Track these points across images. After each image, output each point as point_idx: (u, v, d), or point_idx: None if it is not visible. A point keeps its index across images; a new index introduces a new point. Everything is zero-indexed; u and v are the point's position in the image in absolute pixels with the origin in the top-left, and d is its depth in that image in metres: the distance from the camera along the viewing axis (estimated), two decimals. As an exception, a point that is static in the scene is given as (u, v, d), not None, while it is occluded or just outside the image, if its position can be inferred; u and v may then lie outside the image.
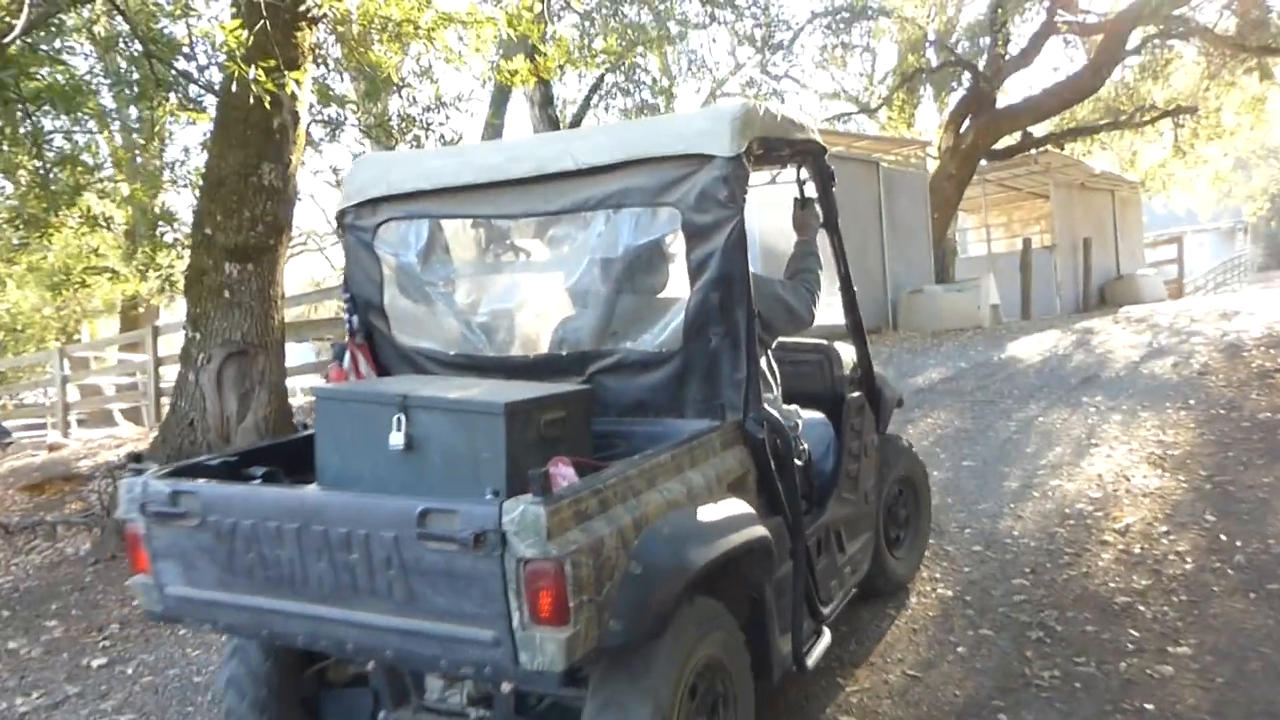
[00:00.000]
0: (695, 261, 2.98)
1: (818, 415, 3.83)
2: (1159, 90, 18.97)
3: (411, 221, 3.45)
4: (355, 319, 3.56)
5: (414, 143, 9.57)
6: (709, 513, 2.65)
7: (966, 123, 16.43)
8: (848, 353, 4.16)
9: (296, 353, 16.52)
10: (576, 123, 13.81)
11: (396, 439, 2.60)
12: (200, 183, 7.10)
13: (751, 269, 3.00)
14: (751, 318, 2.97)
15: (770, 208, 5.91)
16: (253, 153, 6.39)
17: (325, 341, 18.18)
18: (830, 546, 3.68)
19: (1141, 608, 4.19)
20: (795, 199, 3.78)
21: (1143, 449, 6.55)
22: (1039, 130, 18.10)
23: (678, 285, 3.14)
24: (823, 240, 3.78)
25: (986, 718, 3.40)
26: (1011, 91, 17.84)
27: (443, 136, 9.67)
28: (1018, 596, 4.41)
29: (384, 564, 2.29)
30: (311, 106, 8.33)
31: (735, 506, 2.77)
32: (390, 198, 3.45)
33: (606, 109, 14.86)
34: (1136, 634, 3.95)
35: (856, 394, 4.02)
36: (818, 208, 3.72)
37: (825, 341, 4.19)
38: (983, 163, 18.38)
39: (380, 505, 2.36)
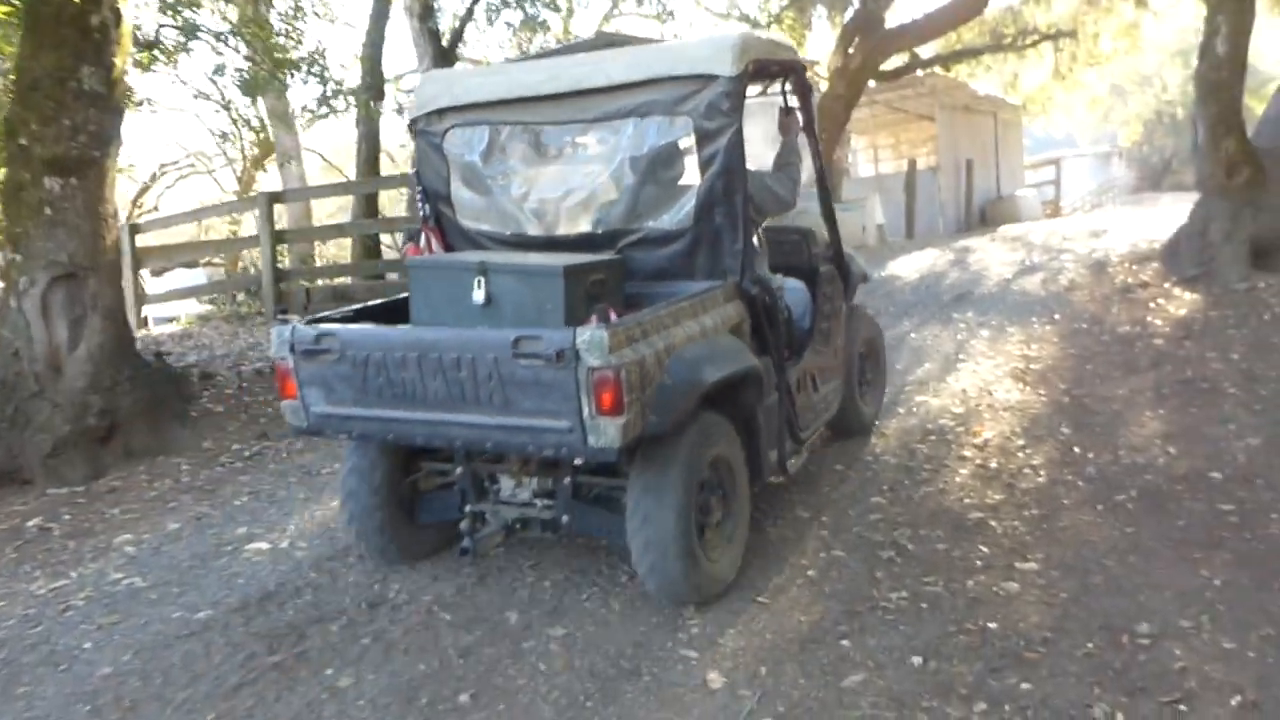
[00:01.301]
0: (704, 158, 3.67)
1: (798, 283, 4.52)
2: (1041, 14, 18.97)
3: (474, 128, 4.10)
4: (427, 207, 4.23)
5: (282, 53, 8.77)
6: (719, 346, 3.47)
7: (855, 43, 16.12)
8: (822, 234, 4.83)
9: (188, 278, 15.56)
10: (458, 37, 13.05)
11: (478, 295, 3.39)
12: (10, 87, 6.31)
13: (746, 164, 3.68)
14: (747, 202, 3.69)
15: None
16: (68, 54, 5.66)
17: (218, 266, 17.27)
18: (807, 386, 4.40)
19: (993, 523, 4.07)
20: (780, 107, 4.31)
21: (1007, 364, 6.49)
22: (926, 52, 17.94)
23: (690, 177, 3.91)
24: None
25: (830, 644, 3.21)
26: (900, 12, 17.59)
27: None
28: (873, 516, 4.26)
29: (486, 378, 3.08)
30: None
31: (735, 344, 3.61)
32: (454, 108, 4.10)
33: (490, 22, 14.06)
34: (986, 550, 3.83)
35: (829, 268, 4.71)
36: (799, 114, 4.28)
37: (805, 226, 4.84)
38: (871, 84, 18.20)
39: (484, 335, 3.15)
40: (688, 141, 3.81)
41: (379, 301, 4.00)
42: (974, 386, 6.04)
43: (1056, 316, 7.65)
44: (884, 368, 5.70)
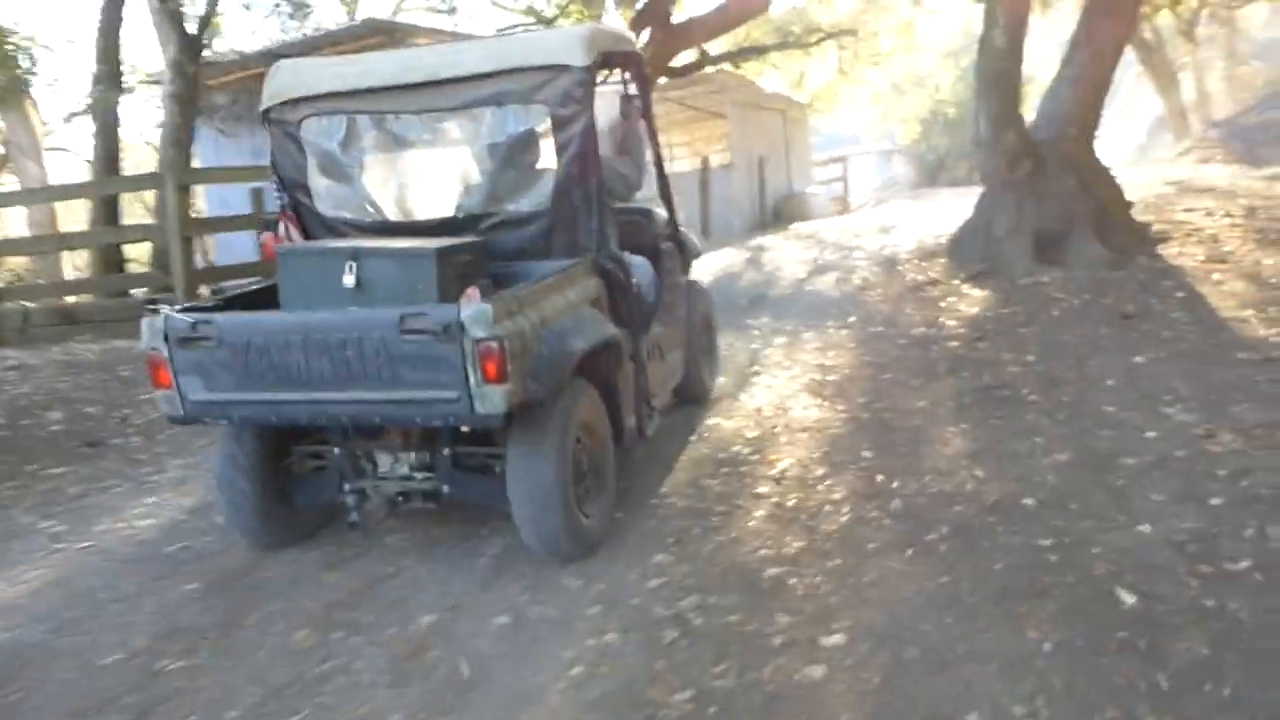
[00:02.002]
0: (559, 144, 3.85)
1: (642, 260, 4.63)
2: (825, 12, 19.19)
3: (330, 117, 4.15)
4: (284, 196, 4.23)
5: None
6: (583, 318, 3.67)
7: (645, 37, 15.62)
8: (662, 214, 5.01)
9: None
10: (206, 22, 11.54)
11: (349, 279, 3.49)
12: None
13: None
14: (601, 184, 3.90)
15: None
16: None
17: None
18: (656, 355, 4.60)
19: (793, 580, 3.42)
20: (621, 95, 4.54)
21: (804, 374, 5.97)
22: (715, 49, 17.70)
23: (546, 161, 4.04)
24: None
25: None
26: (688, 8, 17.25)
27: None
28: (656, 580, 3.52)
29: (373, 355, 3.23)
30: None
31: (597, 316, 3.82)
32: (309, 98, 4.12)
33: (248, 6, 12.60)
34: (786, 619, 3.15)
35: (669, 245, 4.96)
36: (638, 102, 4.55)
37: (645, 207, 4.96)
38: (663, 81, 17.81)
39: (370, 314, 3.31)
40: (543, 127, 3.99)
41: (241, 290, 4.09)
42: (770, 404, 5.45)
43: (852, 319, 7.26)
44: (717, 339, 6.02)
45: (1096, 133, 8.59)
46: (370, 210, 4.27)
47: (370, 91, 4.06)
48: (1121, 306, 6.66)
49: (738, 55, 18.13)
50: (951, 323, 6.75)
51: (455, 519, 4.24)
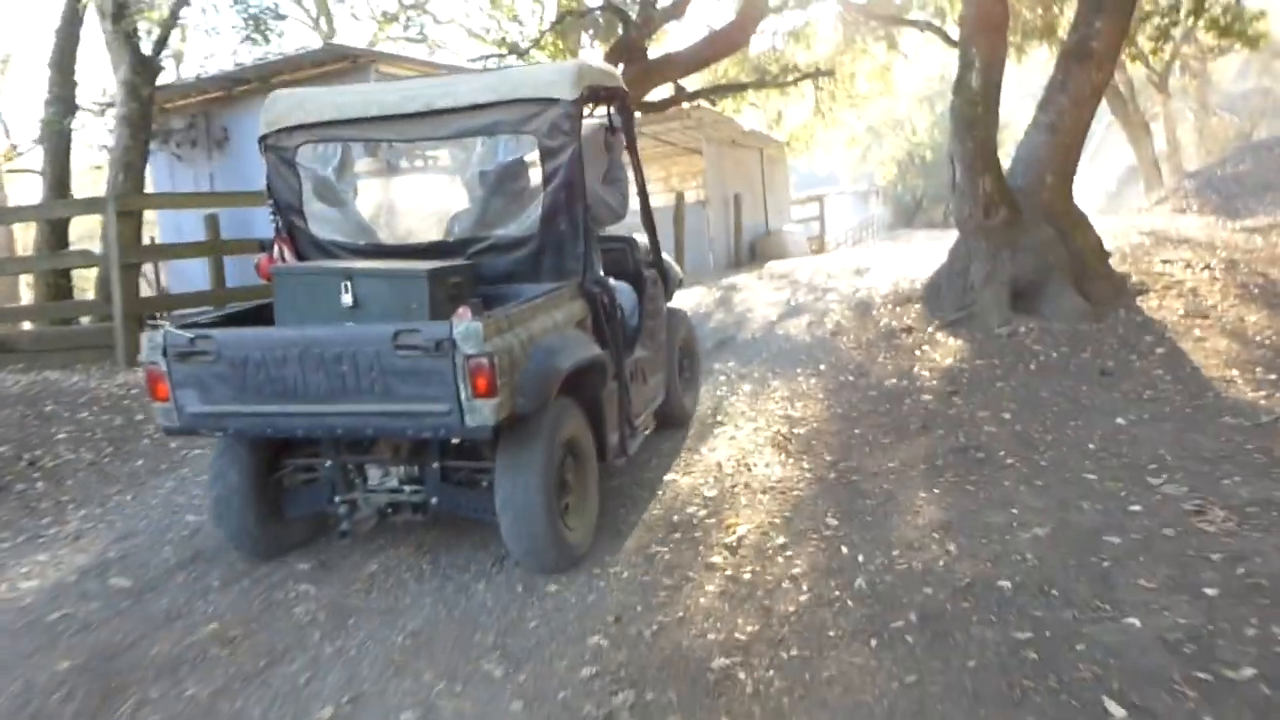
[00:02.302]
0: (547, 172, 4.01)
1: (625, 285, 4.81)
2: (802, 52, 19.08)
3: (326, 144, 4.33)
4: (279, 220, 4.36)
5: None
6: (569, 338, 3.85)
7: (619, 71, 15.42)
8: (644, 242, 5.14)
9: None
10: (162, 43, 11.17)
11: (345, 298, 3.69)
12: None
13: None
14: (587, 211, 4.05)
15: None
16: None
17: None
18: (638, 377, 4.71)
19: (743, 675, 3.03)
20: (605, 127, 4.64)
21: (769, 427, 5.61)
22: (691, 85, 17.51)
23: (534, 189, 4.16)
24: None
25: None
26: (665, 43, 17.08)
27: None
28: (589, 669, 3.11)
29: (368, 369, 3.35)
30: None
31: (582, 336, 4.02)
32: (305, 126, 4.26)
33: (210, 34, 12.21)
34: (731, 726, 2.76)
35: (651, 272, 5.06)
36: (622, 135, 4.67)
37: (629, 235, 5.11)
38: (639, 115, 17.61)
39: (365, 330, 3.43)
40: (532, 157, 4.14)
41: (235, 309, 4.20)
42: (732, 459, 5.08)
43: (822, 367, 6.92)
44: (699, 364, 6.18)
45: (1074, 180, 8.35)
46: (363, 233, 4.43)
47: (367, 120, 4.20)
48: (1101, 362, 6.36)
49: (715, 92, 17.96)
50: (925, 374, 6.42)
51: (376, 585, 3.84)
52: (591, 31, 17.01)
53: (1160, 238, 10.32)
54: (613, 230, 4.88)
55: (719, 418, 5.89)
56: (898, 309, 8.62)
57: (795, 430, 5.52)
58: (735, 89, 18.20)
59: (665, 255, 5.36)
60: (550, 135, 3.95)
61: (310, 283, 3.80)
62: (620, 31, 15.48)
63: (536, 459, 3.58)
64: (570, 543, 3.80)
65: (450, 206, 4.52)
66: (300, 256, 4.37)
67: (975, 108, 7.70)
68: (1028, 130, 8.36)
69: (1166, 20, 9.04)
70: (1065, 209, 8.28)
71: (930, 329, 7.74)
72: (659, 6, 15.61)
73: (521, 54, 15.66)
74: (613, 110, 4.64)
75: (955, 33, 18.23)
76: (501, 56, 16.37)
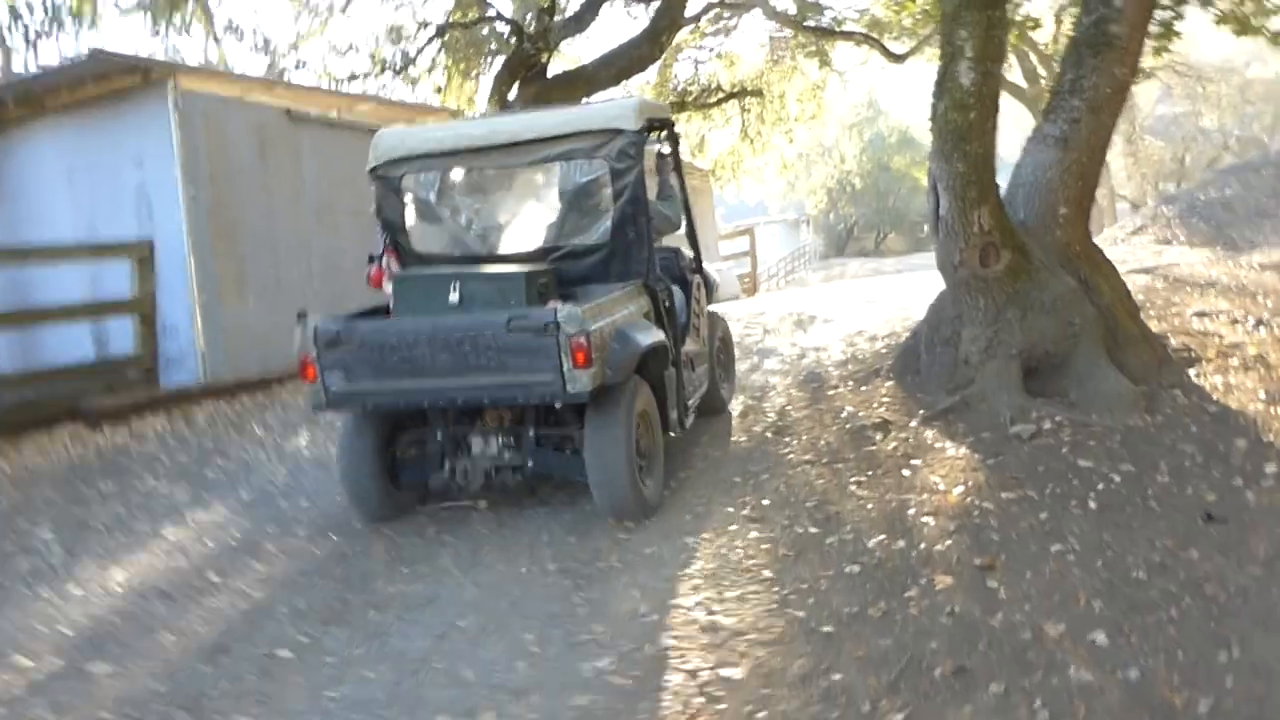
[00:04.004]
0: (616, 190, 4.70)
1: (675, 287, 5.27)
2: (726, 72, 16.92)
3: (426, 172, 5.09)
4: (387, 236, 5.05)
5: None
6: (640, 325, 4.47)
7: (515, 90, 12.97)
8: (689, 253, 5.82)
9: None
10: None
11: (454, 297, 4.28)
12: None
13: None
14: (649, 222, 4.78)
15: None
16: None
17: None
18: (687, 366, 5.22)
19: None
20: (658, 153, 5.48)
21: (678, 668, 3.11)
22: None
23: (605, 205, 4.79)
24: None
25: None
26: (568, 57, 14.70)
27: None
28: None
29: (486, 348, 3.96)
30: None
31: (650, 325, 4.61)
32: (408, 158, 4.98)
33: None
34: None
35: (696, 277, 5.72)
36: (671, 159, 5.49)
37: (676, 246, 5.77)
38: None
39: (484, 317, 4.05)
40: (603, 178, 4.74)
41: (356, 312, 4.73)
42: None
43: (765, 502, 4.46)
44: (734, 360, 6.68)
45: (1091, 211, 6.12)
46: (458, 246, 5.13)
47: (460, 152, 4.97)
48: (1195, 493, 4.04)
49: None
50: (929, 521, 4.01)
51: None
52: (493, 45, 14.56)
53: (1173, 280, 8.15)
54: (663, 241, 5.38)
55: (581, 634, 3.39)
56: (863, 388, 6.24)
57: (714, 689, 3.01)
58: (652, 111, 15.89)
59: (706, 265, 5.96)
60: (618, 160, 4.65)
61: (425, 284, 4.47)
62: (514, 45, 13.06)
63: (619, 426, 4.14)
64: (646, 497, 4.32)
65: (533, 221, 5.09)
66: (404, 267, 4.96)
67: (967, 113, 5.39)
68: (1028, 146, 6.08)
69: (1171, 12, 6.80)
70: (1084, 250, 6.02)
71: (914, 423, 5.37)
72: (557, 19, 13.24)
73: (399, 71, 13.13)
74: (663, 137, 5.37)
75: (896, 47, 16.33)
76: (379, 74, 13.81)
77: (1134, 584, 3.32)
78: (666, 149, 5.40)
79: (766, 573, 3.67)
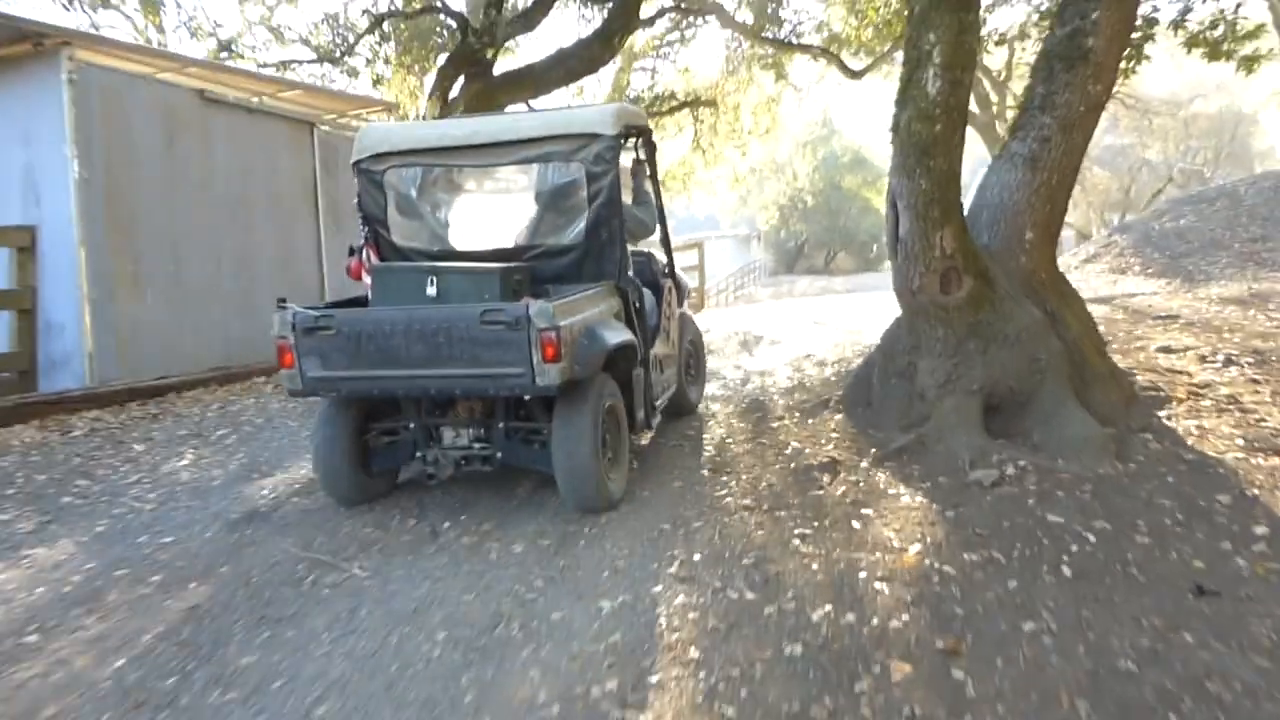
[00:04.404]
0: (592, 193, 4.77)
1: (647, 290, 5.36)
2: (680, 80, 16.43)
3: (409, 168, 5.10)
4: (367, 230, 5.11)
5: None
6: (611, 325, 4.58)
7: (458, 87, 12.31)
8: (662, 257, 5.92)
9: None
10: None
11: (431, 290, 4.42)
12: None
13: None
14: (623, 225, 4.83)
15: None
16: None
17: None
18: (656, 367, 5.33)
19: None
20: (635, 159, 5.50)
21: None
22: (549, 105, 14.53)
23: (580, 207, 4.85)
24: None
25: None
26: (516, 55, 14.08)
27: None
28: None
29: (459, 340, 4.05)
30: None
31: (619, 325, 4.71)
32: (392, 153, 5.04)
33: None
34: None
35: (668, 281, 5.82)
36: (647, 166, 5.53)
37: (649, 250, 5.95)
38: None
39: (459, 309, 4.15)
40: (579, 181, 4.82)
41: (333, 302, 5.09)
42: None
43: (697, 557, 3.87)
44: (704, 363, 6.79)
45: (1059, 237, 5.66)
46: (437, 241, 5.17)
47: (444, 149, 4.99)
48: (1181, 560, 3.54)
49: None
50: (882, 588, 3.45)
51: None
52: (439, 39, 13.86)
53: (1133, 312, 7.78)
54: (637, 246, 5.59)
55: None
56: (810, 421, 5.71)
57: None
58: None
59: (678, 270, 6.09)
60: (595, 163, 4.72)
61: (403, 277, 4.56)
62: (459, 40, 12.41)
63: (586, 420, 4.25)
64: (610, 490, 4.41)
65: (510, 220, 5.21)
66: (383, 260, 5.08)
67: (933, 125, 4.88)
68: (994, 165, 5.62)
69: (1140, 34, 6.42)
70: (1051, 278, 5.56)
71: (865, 463, 4.84)
72: (505, 14, 12.61)
73: (336, 61, 12.37)
74: (640, 144, 5.43)
75: (854, 63, 15.96)
76: (318, 61, 13.04)
77: (1123, 677, 2.79)
78: (643, 155, 5.47)
79: (693, 651, 3.07)
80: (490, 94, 12.28)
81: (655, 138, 5.72)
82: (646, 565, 3.77)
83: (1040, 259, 5.48)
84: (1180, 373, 5.87)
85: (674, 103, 15.51)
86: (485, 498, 4.76)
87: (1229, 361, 5.99)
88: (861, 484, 4.56)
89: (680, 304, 6.12)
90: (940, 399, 5.08)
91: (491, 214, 5.40)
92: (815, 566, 3.66)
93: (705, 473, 4.94)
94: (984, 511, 4.08)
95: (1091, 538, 3.77)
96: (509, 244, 5.00)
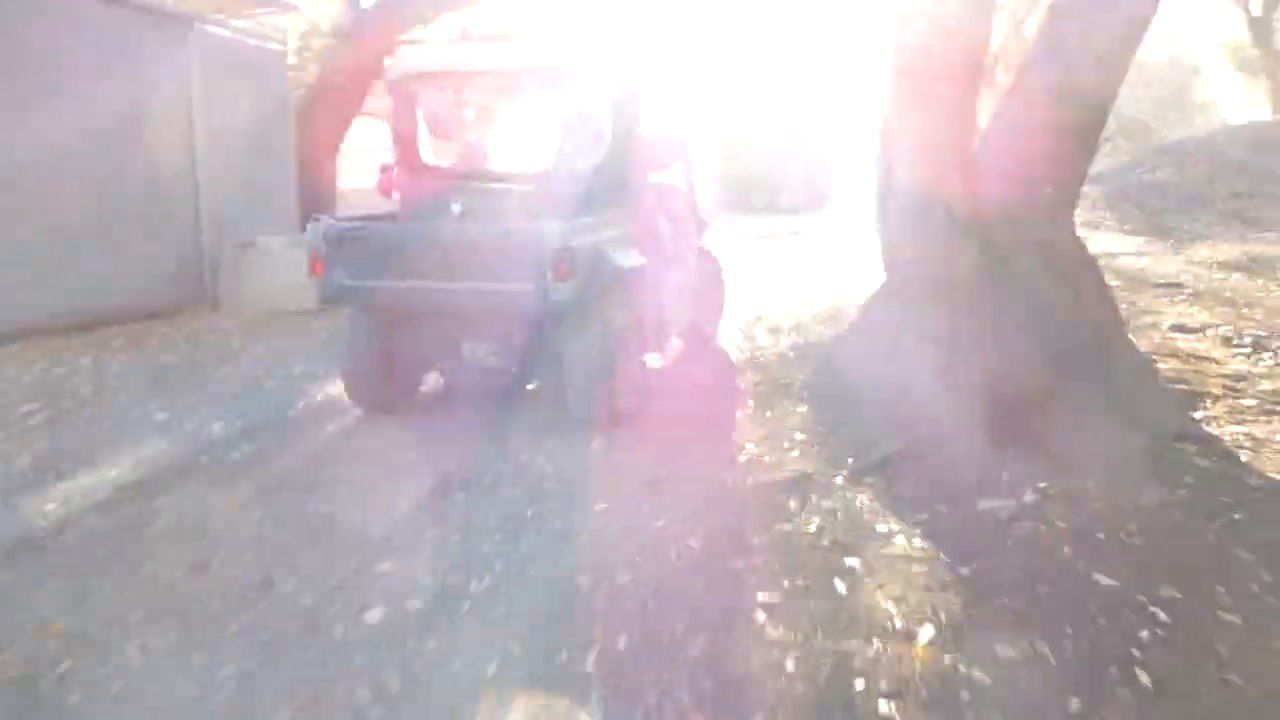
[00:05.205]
0: (612, 119, 4.79)
1: (665, 219, 5.42)
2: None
3: (440, 92, 5.22)
4: (397, 147, 5.14)
5: None
6: (624, 248, 4.64)
7: (371, -3, 10.70)
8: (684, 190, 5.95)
9: None
10: None
11: (456, 208, 4.69)
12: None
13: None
14: (641, 150, 4.95)
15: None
16: None
17: None
18: (671, 294, 5.30)
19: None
20: (659, 89, 5.69)
21: None
22: (485, 25, 12.92)
23: (601, 132, 4.82)
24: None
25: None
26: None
27: None
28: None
29: (479, 256, 4.20)
30: None
31: (633, 249, 4.74)
32: (426, 74, 5.07)
33: None
34: None
35: (690, 211, 5.79)
36: (674, 94, 6.32)
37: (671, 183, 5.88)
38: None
39: (481, 226, 4.48)
40: (600, 107, 4.82)
41: (363, 215, 5.19)
42: None
43: (586, 661, 2.73)
44: (723, 293, 6.51)
45: (1080, 191, 4.56)
46: (464, 161, 5.37)
47: (473, 74, 5.07)
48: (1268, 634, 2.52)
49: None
50: (888, 709, 2.35)
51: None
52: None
53: (1128, 279, 6.77)
54: (661, 176, 5.60)
55: None
56: (767, 414, 4.59)
57: None
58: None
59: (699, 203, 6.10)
60: (618, 89, 4.83)
61: (430, 194, 4.82)
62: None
63: (597, 338, 4.33)
64: (619, 409, 4.42)
65: (533, 143, 5.35)
66: (412, 178, 5.15)
67: (953, 40, 3.68)
68: (1006, 102, 4.45)
69: None
70: (1069, 245, 4.47)
71: (841, 478, 3.74)
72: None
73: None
74: (662, 75, 5.65)
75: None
76: None
77: None
78: (667, 85, 6.05)
79: None
80: (412, 2, 10.68)
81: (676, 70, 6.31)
82: (536, 665, 2.60)
83: (1058, 222, 4.38)
84: (1205, 359, 4.86)
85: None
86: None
87: (1259, 346, 5.01)
88: (840, 514, 3.45)
89: (700, 235, 6.14)
90: (935, 395, 3.99)
91: (518, 136, 5.73)
92: (790, 666, 2.54)
93: (634, 490, 3.78)
94: (1007, 566, 3.01)
95: (1162, 615, 2.72)
96: (532, 167, 5.14)
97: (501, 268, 4.13)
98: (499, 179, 5.09)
